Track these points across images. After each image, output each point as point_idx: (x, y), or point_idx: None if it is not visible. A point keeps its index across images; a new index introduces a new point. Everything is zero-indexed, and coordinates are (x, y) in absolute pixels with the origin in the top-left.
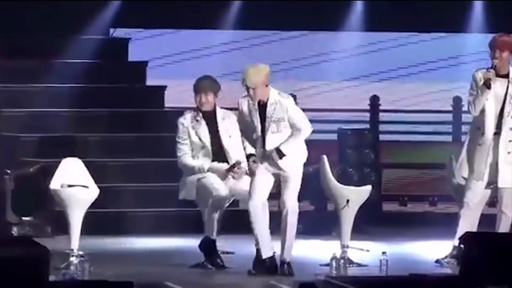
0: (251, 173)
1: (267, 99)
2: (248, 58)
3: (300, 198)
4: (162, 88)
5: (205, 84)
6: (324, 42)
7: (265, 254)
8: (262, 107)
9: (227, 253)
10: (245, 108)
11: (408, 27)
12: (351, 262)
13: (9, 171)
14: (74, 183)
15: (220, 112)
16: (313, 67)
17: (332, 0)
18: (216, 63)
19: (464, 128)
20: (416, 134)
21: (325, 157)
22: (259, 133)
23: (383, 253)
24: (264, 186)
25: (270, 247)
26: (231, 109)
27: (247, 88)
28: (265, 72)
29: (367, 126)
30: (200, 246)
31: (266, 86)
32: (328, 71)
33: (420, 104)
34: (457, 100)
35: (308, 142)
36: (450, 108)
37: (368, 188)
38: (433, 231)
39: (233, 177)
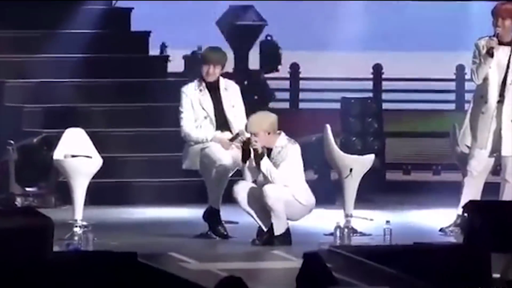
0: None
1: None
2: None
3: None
4: (165, 57)
5: (215, 56)
6: (327, 10)
7: (265, 226)
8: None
9: (231, 222)
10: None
11: None
12: (354, 231)
13: (12, 142)
14: (78, 153)
15: (223, 82)
16: (316, 36)
17: None
18: (218, 34)
19: (467, 96)
20: (419, 102)
21: (328, 126)
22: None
23: (387, 222)
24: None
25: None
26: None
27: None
28: (268, 121)
29: (370, 95)
30: (204, 216)
31: (269, 134)
32: (331, 39)
33: (423, 73)
34: (460, 68)
35: (311, 111)
36: (453, 77)
37: (371, 157)
38: (436, 199)
39: (237, 147)
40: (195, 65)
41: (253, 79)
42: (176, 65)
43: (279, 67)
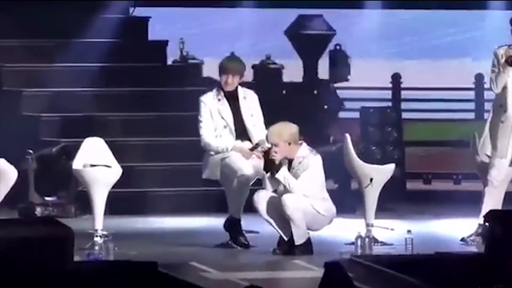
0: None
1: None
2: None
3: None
4: (183, 67)
5: (234, 66)
6: (347, 20)
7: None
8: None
9: (252, 232)
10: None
11: (430, 4)
12: (376, 240)
13: (31, 152)
14: (97, 163)
15: (241, 91)
16: (260, 43)
17: None
18: (232, 42)
19: (487, 105)
20: (438, 112)
21: (348, 135)
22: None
23: (408, 231)
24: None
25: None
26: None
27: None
28: (289, 131)
29: (389, 104)
30: (225, 225)
31: (290, 144)
32: (351, 48)
33: (442, 82)
34: (479, 78)
35: (331, 121)
36: (472, 86)
37: (391, 166)
38: (457, 209)
39: (257, 156)
40: (264, 75)
41: (322, 88)
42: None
43: (349, 76)
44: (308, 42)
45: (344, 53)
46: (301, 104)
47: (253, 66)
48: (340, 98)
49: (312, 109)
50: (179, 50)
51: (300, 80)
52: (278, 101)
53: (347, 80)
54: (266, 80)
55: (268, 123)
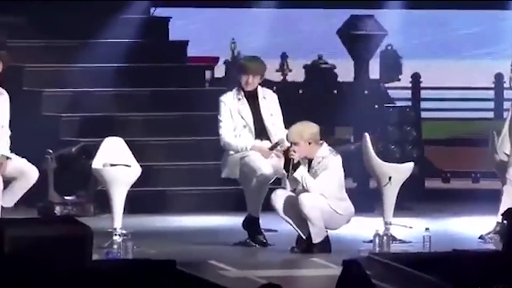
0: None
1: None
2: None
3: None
4: (203, 67)
5: (255, 66)
6: (318, 19)
7: (304, 234)
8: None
9: (270, 230)
10: None
11: (450, 4)
12: (394, 238)
13: (51, 151)
14: (116, 162)
15: (261, 91)
16: (311, 43)
17: None
18: (253, 42)
19: (506, 105)
20: (457, 111)
21: (367, 134)
22: None
23: (426, 229)
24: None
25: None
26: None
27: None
28: (310, 131)
29: (409, 103)
30: (243, 224)
31: (310, 144)
32: (326, 47)
33: (462, 81)
34: (498, 77)
35: None
36: (492, 85)
37: (410, 165)
38: (476, 207)
39: (277, 156)
40: (315, 75)
41: (373, 88)
42: (293, 74)
43: (400, 76)
44: (359, 42)
45: (395, 53)
46: (352, 104)
47: (305, 66)
48: (391, 98)
49: (363, 109)
50: (230, 50)
51: (351, 80)
52: (329, 101)
53: (398, 80)
54: (317, 80)
55: (319, 122)
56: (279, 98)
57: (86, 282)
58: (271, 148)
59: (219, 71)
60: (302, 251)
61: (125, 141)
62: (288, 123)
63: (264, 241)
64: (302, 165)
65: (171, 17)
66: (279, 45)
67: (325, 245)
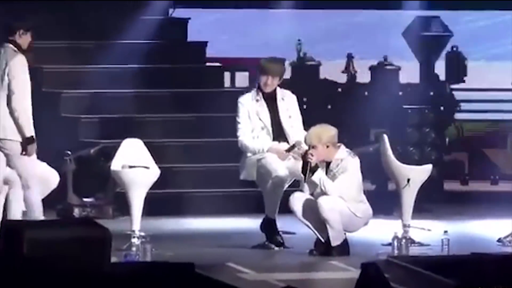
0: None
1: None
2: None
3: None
4: (221, 68)
5: (274, 67)
6: (383, 20)
7: (323, 237)
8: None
9: (288, 233)
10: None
11: (477, 5)
12: (412, 241)
13: (70, 153)
14: (135, 164)
15: (279, 92)
16: (377, 44)
17: None
18: (272, 43)
19: None
20: (476, 112)
21: (385, 136)
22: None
23: (445, 232)
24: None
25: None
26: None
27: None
28: (327, 134)
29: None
30: (261, 226)
31: (328, 147)
32: (391, 48)
33: (483, 83)
34: None
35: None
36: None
37: (429, 167)
38: (494, 210)
39: (294, 158)
40: (381, 76)
41: (439, 90)
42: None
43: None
44: (425, 44)
45: (460, 55)
46: (417, 105)
47: (370, 67)
48: (456, 99)
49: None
50: (296, 51)
51: (417, 81)
52: (395, 102)
53: (463, 81)
54: (383, 81)
55: (386, 125)
56: (345, 99)
57: (104, 285)
58: (288, 150)
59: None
60: (321, 254)
61: (144, 142)
62: (355, 125)
63: (282, 241)
64: (320, 168)
65: (189, 18)
66: (345, 46)
67: (344, 248)
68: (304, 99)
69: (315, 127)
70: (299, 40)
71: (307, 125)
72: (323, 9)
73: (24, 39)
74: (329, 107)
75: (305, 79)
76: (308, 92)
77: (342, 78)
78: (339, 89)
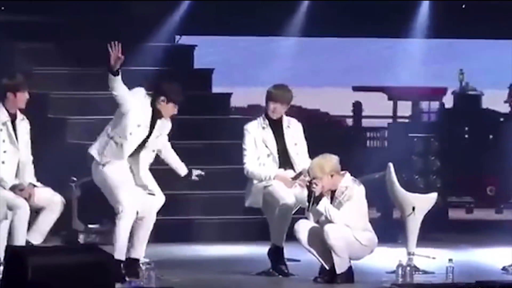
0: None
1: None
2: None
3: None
4: (228, 95)
5: (283, 94)
6: (385, 49)
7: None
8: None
9: (293, 260)
10: None
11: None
12: (417, 269)
13: (75, 179)
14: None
15: (286, 120)
16: (377, 73)
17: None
18: (279, 70)
19: None
20: None
21: (391, 164)
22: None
23: (450, 260)
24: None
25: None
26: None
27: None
28: (330, 164)
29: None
30: (268, 253)
31: (332, 176)
32: (392, 77)
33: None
34: None
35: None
36: None
37: (434, 195)
38: (499, 238)
39: (300, 185)
40: (464, 102)
41: None
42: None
43: None
44: None
45: None
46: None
47: (453, 92)
48: None
49: None
50: (458, 81)
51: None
52: (481, 130)
53: None
54: (465, 107)
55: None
56: (508, 129)
57: None
58: (295, 178)
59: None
60: (326, 281)
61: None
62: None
63: (286, 271)
64: (325, 197)
65: (196, 45)
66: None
67: (349, 276)
68: (466, 128)
69: (317, 159)
70: (461, 70)
71: (469, 155)
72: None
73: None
74: (491, 136)
75: (467, 109)
76: (470, 121)
77: (505, 108)
78: (502, 119)
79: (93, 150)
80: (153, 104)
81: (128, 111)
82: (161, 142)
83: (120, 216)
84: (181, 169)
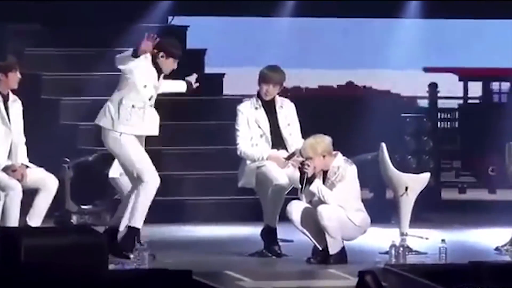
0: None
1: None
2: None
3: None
4: (221, 75)
5: (276, 76)
6: (383, 30)
7: (320, 245)
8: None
9: (286, 241)
10: None
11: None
12: (410, 250)
13: (68, 160)
14: None
15: (278, 100)
16: (373, 55)
17: None
18: (273, 51)
19: None
20: None
21: (384, 144)
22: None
23: (442, 240)
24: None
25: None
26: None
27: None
28: (322, 144)
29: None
30: (261, 234)
31: (324, 157)
32: (390, 59)
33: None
34: None
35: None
36: None
37: (426, 175)
38: (492, 218)
39: (293, 165)
40: None
41: None
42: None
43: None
44: None
45: None
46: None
47: None
48: None
49: None
50: None
51: None
52: None
53: None
54: None
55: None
56: None
57: None
58: (288, 158)
59: None
60: (318, 262)
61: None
62: None
63: (279, 252)
64: (317, 178)
65: (188, 26)
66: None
67: (341, 256)
68: None
69: (309, 139)
70: None
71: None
72: None
73: None
74: None
75: None
76: None
77: None
78: None
79: (104, 120)
80: (153, 62)
81: (136, 78)
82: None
83: (145, 187)
84: (180, 86)
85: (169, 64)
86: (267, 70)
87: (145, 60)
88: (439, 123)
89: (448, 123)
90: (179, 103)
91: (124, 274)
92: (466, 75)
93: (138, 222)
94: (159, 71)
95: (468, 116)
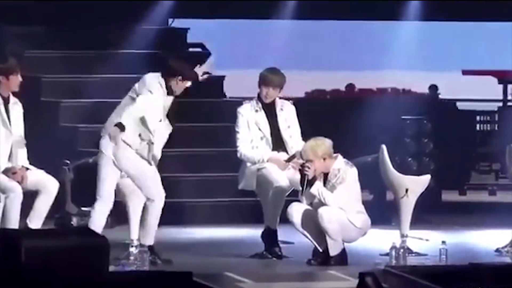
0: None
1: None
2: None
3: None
4: (221, 78)
5: (276, 79)
6: (382, 32)
7: (321, 247)
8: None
9: (287, 243)
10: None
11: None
12: (410, 251)
13: (68, 162)
14: None
15: (279, 102)
16: (372, 57)
17: None
18: (274, 54)
19: None
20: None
21: (384, 146)
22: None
23: (443, 242)
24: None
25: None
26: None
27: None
28: (322, 147)
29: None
30: (262, 236)
31: (325, 159)
32: (390, 60)
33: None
34: None
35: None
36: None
37: (427, 177)
38: (492, 220)
39: (293, 167)
40: None
41: None
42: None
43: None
44: None
45: None
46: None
47: None
48: None
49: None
50: None
51: None
52: None
53: None
54: None
55: None
56: None
57: None
58: (288, 160)
59: None
60: (319, 263)
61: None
62: None
63: (279, 253)
64: (317, 180)
65: (189, 28)
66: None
67: (342, 258)
68: None
69: (310, 141)
70: None
71: None
72: None
73: None
74: None
75: None
76: None
77: None
78: None
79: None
80: (167, 86)
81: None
82: None
83: (154, 205)
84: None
85: (183, 86)
86: (267, 73)
87: (162, 89)
88: (478, 125)
89: (488, 125)
90: (179, 105)
91: (124, 276)
92: (505, 77)
93: (151, 239)
94: (171, 93)
95: (508, 118)
